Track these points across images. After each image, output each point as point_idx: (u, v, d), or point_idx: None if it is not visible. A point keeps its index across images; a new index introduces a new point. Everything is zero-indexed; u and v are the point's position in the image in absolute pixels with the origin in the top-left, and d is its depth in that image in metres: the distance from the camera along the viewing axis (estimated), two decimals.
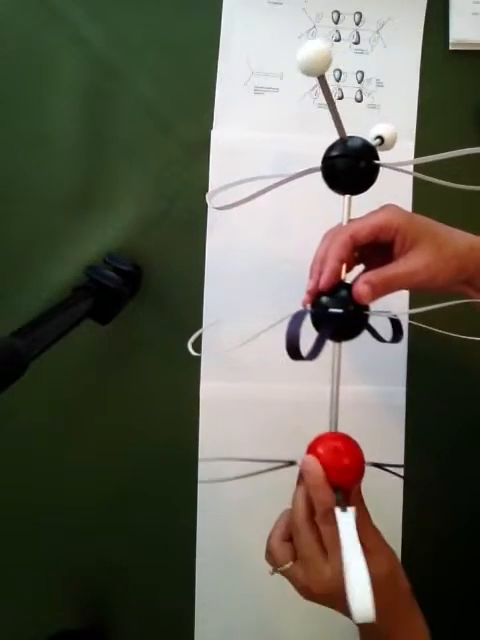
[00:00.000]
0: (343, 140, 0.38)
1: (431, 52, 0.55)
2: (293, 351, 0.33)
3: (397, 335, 0.39)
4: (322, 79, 0.33)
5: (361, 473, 0.36)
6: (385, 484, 0.55)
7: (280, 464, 0.37)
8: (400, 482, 0.56)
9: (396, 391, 0.56)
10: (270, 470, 0.37)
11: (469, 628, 0.57)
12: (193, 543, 0.56)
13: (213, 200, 0.45)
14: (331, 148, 0.38)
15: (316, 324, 0.36)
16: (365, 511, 0.36)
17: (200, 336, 0.53)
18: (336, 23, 0.55)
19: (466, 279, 0.38)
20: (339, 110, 0.36)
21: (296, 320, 0.34)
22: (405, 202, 0.55)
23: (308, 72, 0.33)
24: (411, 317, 0.43)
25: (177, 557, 0.56)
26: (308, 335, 0.35)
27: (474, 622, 0.57)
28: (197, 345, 0.51)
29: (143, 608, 0.57)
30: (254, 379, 0.56)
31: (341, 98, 0.55)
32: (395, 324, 0.39)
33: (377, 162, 0.38)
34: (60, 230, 0.54)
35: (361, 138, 0.38)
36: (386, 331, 0.39)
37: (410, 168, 0.42)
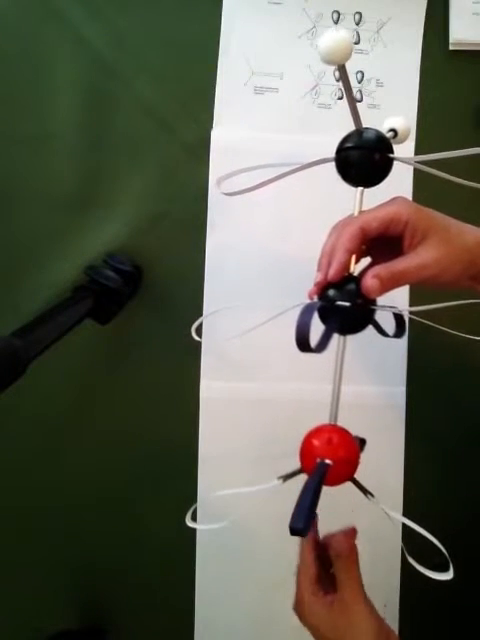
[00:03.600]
0: (359, 131, 0.37)
1: (431, 52, 0.55)
2: (303, 343, 0.33)
3: (400, 330, 0.39)
4: (342, 68, 0.33)
5: (355, 466, 0.36)
6: (386, 484, 0.56)
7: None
8: (400, 482, 0.56)
9: (396, 391, 0.56)
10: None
11: (469, 628, 0.57)
12: (193, 543, 0.56)
13: (221, 186, 0.44)
14: (346, 139, 0.37)
15: (323, 317, 0.36)
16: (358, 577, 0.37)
17: (201, 324, 0.52)
18: (336, 23, 0.55)
19: (474, 274, 0.37)
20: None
21: (307, 312, 0.33)
22: (405, 196, 0.54)
23: (330, 61, 0.33)
24: (413, 313, 0.42)
25: (177, 557, 0.56)
26: (313, 328, 0.35)
27: (474, 622, 0.57)
28: (198, 334, 0.50)
29: (143, 608, 0.57)
30: (254, 378, 0.56)
31: (341, 98, 0.54)
32: (399, 319, 0.39)
33: (392, 156, 0.37)
34: (60, 230, 0.54)
35: (376, 130, 0.37)
36: (388, 325, 0.39)
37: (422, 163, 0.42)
